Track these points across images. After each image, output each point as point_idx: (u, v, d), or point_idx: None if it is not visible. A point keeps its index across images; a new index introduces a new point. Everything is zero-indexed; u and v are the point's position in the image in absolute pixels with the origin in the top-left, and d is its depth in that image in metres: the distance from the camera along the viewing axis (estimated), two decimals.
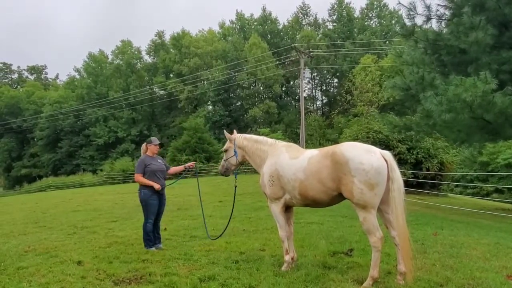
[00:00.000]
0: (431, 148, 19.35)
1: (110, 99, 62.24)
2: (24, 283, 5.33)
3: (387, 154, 5.02)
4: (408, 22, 13.07)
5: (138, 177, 7.25)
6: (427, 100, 11.33)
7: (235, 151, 6.54)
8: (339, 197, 5.21)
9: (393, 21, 58.37)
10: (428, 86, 11.94)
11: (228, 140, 6.71)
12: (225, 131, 7.19)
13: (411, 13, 12.91)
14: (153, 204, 7.28)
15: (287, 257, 5.71)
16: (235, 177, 6.99)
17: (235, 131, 6.87)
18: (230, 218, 7.47)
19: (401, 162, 18.99)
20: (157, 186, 7.10)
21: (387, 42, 56.50)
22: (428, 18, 13.21)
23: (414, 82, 12.59)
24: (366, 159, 4.83)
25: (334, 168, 5.01)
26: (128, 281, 5.34)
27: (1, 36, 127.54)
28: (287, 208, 5.93)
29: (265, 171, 5.88)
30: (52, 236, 9.02)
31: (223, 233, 7.46)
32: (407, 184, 17.74)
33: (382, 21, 62.82)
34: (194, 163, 7.88)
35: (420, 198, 16.80)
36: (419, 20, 13.19)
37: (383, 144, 19.51)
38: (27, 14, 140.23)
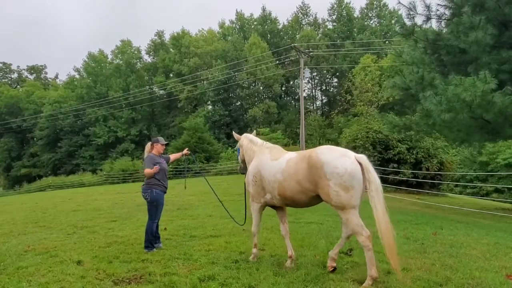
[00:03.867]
0: (430, 147, 19.35)
1: (109, 98, 62.22)
2: (23, 282, 5.33)
3: (362, 157, 5.15)
4: (408, 22, 13.07)
5: (149, 170, 7.10)
6: (426, 100, 11.34)
7: (238, 149, 7.04)
8: (318, 198, 5.40)
9: (393, 21, 58.21)
10: (428, 86, 11.96)
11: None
12: (233, 132, 7.55)
13: (411, 12, 12.91)
14: (162, 204, 7.34)
15: (255, 250, 6.16)
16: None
17: (253, 132, 7.27)
18: (245, 209, 7.08)
19: (400, 162, 19.00)
20: (156, 168, 7.09)
21: (387, 42, 56.46)
22: (428, 18, 13.22)
23: (414, 81, 12.60)
24: (341, 163, 5.01)
25: (310, 171, 5.20)
26: (127, 280, 5.34)
27: (1, 35, 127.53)
28: (279, 208, 6.17)
29: (250, 170, 6.21)
30: (52, 235, 9.01)
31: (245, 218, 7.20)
32: (407, 184, 17.80)
33: (382, 20, 62.80)
34: (187, 150, 8.26)
35: (419, 197, 16.81)
36: (419, 20, 13.21)
37: (383, 144, 19.53)
38: (27, 14, 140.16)
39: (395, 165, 18.79)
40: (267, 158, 5.99)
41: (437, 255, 6.34)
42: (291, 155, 5.75)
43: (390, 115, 15.79)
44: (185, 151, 8.21)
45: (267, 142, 6.62)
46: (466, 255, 6.38)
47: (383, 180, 18.25)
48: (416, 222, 10.12)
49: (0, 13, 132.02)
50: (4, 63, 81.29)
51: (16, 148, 71.58)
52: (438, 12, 13.26)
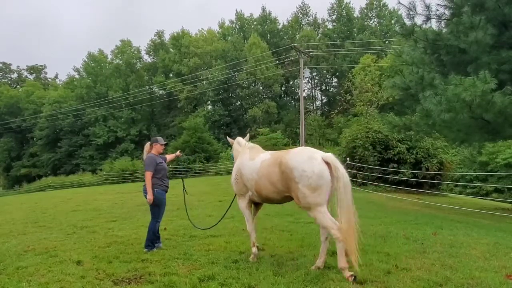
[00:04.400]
0: (430, 147, 19.35)
1: (109, 98, 62.22)
2: (23, 282, 5.34)
3: (329, 157, 5.39)
4: (407, 22, 13.07)
5: (149, 175, 7.08)
6: (426, 100, 11.34)
7: (232, 155, 7.29)
8: (290, 197, 5.71)
9: (392, 21, 58.18)
10: (428, 86, 11.95)
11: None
12: (227, 137, 7.86)
13: (411, 12, 12.91)
14: (165, 204, 7.35)
15: (254, 249, 6.26)
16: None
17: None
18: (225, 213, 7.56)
19: (400, 161, 18.99)
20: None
21: (387, 42, 56.48)
22: (428, 18, 13.21)
23: (414, 81, 12.60)
24: (308, 165, 5.31)
25: (282, 175, 5.54)
26: (127, 280, 5.35)
27: (1, 35, 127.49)
28: (257, 204, 6.60)
29: (234, 169, 6.62)
30: (52, 235, 9.01)
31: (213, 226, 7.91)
32: (407, 184, 17.80)
33: (382, 20, 62.82)
34: (180, 152, 8.36)
35: (419, 197, 16.81)
36: (418, 20, 13.21)
37: (383, 143, 19.52)
38: (26, 14, 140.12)
39: (395, 165, 18.79)
40: (246, 157, 6.37)
41: (437, 255, 6.33)
42: (265, 156, 6.11)
43: (390, 115, 15.80)
44: (178, 152, 8.29)
45: (249, 143, 7.01)
46: (466, 255, 6.37)
47: (383, 180, 18.33)
48: (416, 222, 10.12)
49: (0, 13, 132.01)
50: (3, 63, 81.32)
51: (15, 148, 71.56)
52: (438, 12, 13.27)
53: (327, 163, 5.32)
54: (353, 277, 5.05)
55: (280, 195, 5.77)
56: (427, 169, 18.62)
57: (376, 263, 5.81)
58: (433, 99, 11.06)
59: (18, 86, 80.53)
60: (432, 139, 18.97)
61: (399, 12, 15.36)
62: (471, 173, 30.27)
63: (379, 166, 18.76)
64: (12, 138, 71.12)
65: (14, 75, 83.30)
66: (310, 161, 5.34)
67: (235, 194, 6.68)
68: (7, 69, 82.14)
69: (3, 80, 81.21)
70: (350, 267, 5.25)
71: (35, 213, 14.74)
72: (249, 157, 6.31)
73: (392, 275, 5.25)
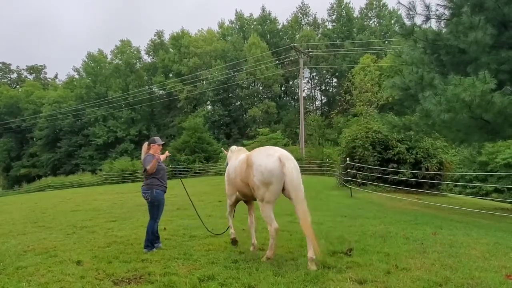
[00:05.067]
0: (430, 147, 19.33)
1: (109, 99, 62.28)
2: (23, 282, 5.33)
3: (283, 155, 5.96)
4: (407, 22, 13.06)
5: (149, 167, 7.00)
6: (426, 100, 11.33)
7: (227, 163, 7.75)
8: None
9: (392, 21, 58.27)
10: (427, 86, 11.95)
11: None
12: (222, 148, 8.64)
13: (411, 12, 12.91)
14: (163, 204, 7.32)
15: (232, 230, 7.24)
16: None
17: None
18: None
19: (400, 161, 18.98)
20: (163, 156, 7.37)
21: (387, 42, 56.55)
22: (428, 18, 13.21)
23: (413, 82, 12.59)
24: (264, 162, 5.92)
25: (247, 170, 6.17)
26: (127, 280, 5.34)
27: (0, 35, 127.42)
28: (247, 203, 7.21)
29: (226, 171, 7.32)
30: (51, 236, 9.00)
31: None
32: (406, 184, 17.79)
33: (382, 21, 62.92)
34: (168, 152, 8.39)
35: (419, 197, 16.80)
36: (418, 20, 13.20)
37: (382, 144, 19.51)
38: (26, 14, 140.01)
39: (395, 165, 18.77)
40: (233, 159, 7.21)
41: (436, 255, 6.33)
42: (242, 156, 6.78)
43: (390, 115, 15.79)
44: (167, 153, 8.26)
45: (237, 147, 7.80)
46: (466, 255, 6.37)
47: (383, 180, 18.33)
48: (415, 222, 10.11)
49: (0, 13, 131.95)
50: (3, 63, 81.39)
51: (15, 148, 71.62)
52: (437, 12, 13.26)
53: (281, 161, 5.83)
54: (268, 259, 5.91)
55: (249, 189, 6.29)
56: (426, 169, 18.60)
57: (376, 263, 5.80)
58: (432, 99, 11.06)
59: (17, 86, 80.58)
60: (432, 139, 18.96)
61: (399, 12, 15.36)
62: (471, 173, 30.28)
63: (378, 166, 18.74)
64: (11, 138, 71.17)
65: (14, 75, 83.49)
66: (266, 158, 5.94)
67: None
68: (7, 69, 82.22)
69: (2, 80, 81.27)
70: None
71: (34, 213, 14.74)
72: (235, 159, 7.10)
73: (392, 275, 5.25)
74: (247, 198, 6.85)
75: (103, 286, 5.14)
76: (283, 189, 5.91)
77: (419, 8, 12.92)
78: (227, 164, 7.66)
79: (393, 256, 6.19)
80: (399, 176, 17.98)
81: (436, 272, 5.36)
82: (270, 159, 5.90)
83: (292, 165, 5.85)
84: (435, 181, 19.35)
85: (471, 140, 14.07)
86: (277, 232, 5.97)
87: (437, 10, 13.22)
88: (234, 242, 7.13)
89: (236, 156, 7.22)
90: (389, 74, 38.45)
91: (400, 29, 13.28)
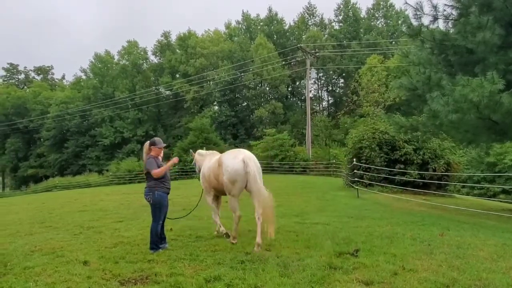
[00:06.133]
0: (437, 148, 19.21)
1: (116, 99, 62.51)
2: (30, 282, 5.36)
3: (246, 156, 7.20)
4: (414, 22, 12.99)
5: (157, 171, 7.03)
6: (433, 101, 11.27)
7: (194, 163, 9.27)
8: None
9: (399, 21, 58.22)
10: (435, 86, 11.88)
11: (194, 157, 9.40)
12: (191, 151, 9.65)
13: (418, 13, 12.83)
14: (165, 206, 7.28)
15: (221, 228, 8.23)
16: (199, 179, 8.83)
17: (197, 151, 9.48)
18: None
19: (407, 162, 18.88)
20: (171, 163, 7.41)
21: (394, 42, 56.35)
22: (435, 18, 13.13)
23: (421, 82, 12.52)
24: (230, 163, 7.19)
25: (218, 169, 7.45)
26: (134, 281, 5.36)
27: (8, 36, 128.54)
28: (217, 198, 8.46)
29: (201, 173, 8.44)
30: (58, 236, 9.05)
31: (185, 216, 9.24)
32: (413, 184, 17.70)
33: (389, 21, 62.69)
34: (176, 159, 7.96)
35: (426, 198, 16.69)
36: (425, 20, 13.11)
37: (389, 144, 19.42)
38: (34, 15, 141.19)
39: (402, 166, 18.68)
40: (207, 161, 8.35)
41: (444, 256, 6.30)
42: (216, 157, 7.99)
43: (397, 115, 15.70)
44: (175, 159, 7.68)
45: (210, 151, 9.07)
46: (473, 256, 6.33)
47: (390, 181, 18.23)
48: (422, 223, 10.06)
49: (8, 14, 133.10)
50: (11, 64, 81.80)
51: (23, 148, 71.98)
52: (445, 12, 13.17)
53: (244, 162, 7.03)
54: (259, 247, 6.76)
55: (221, 186, 7.45)
56: (434, 170, 18.48)
57: (383, 264, 5.78)
58: (440, 99, 11.00)
59: (25, 87, 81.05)
60: (439, 140, 18.83)
61: (406, 13, 15.35)
62: (479, 174, 30.06)
63: (385, 167, 18.65)
64: (19, 139, 71.54)
65: (22, 76, 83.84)
66: (233, 160, 7.19)
67: (202, 192, 8.60)
68: (15, 70, 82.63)
69: (10, 81, 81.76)
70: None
71: (42, 213, 14.82)
72: (208, 160, 8.30)
73: (398, 276, 5.23)
74: (221, 193, 8.06)
75: (110, 286, 5.16)
76: (245, 185, 7.16)
77: (427, 9, 12.84)
78: (194, 164, 9.12)
79: (400, 257, 6.16)
80: (406, 177, 17.88)
81: (443, 274, 5.33)
82: (235, 161, 7.13)
83: (252, 164, 7.10)
84: (442, 182, 19.24)
85: (479, 141, 13.97)
86: (240, 218, 7.36)
87: (445, 10, 13.13)
88: (227, 235, 7.95)
89: (210, 158, 8.38)
90: (396, 74, 38.30)
91: (407, 29, 13.22)
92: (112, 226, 10.19)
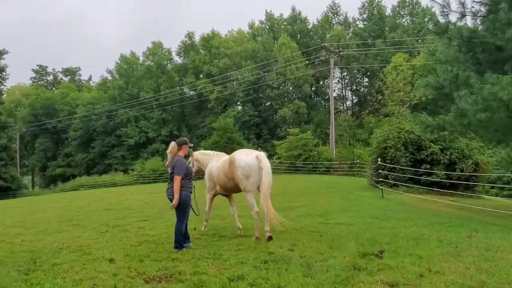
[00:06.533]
0: (465, 148, 18.79)
1: (141, 99, 63.32)
2: (58, 279, 5.46)
3: (260, 154, 7.81)
4: (441, 20, 12.74)
5: (179, 179, 7.06)
6: (461, 99, 11.03)
7: (193, 163, 9.17)
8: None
9: (426, 19, 57.10)
10: (463, 85, 11.62)
11: (191, 156, 9.30)
12: (191, 150, 9.25)
13: (445, 10, 12.58)
14: (189, 205, 7.36)
15: (205, 223, 9.11)
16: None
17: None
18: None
19: (433, 162, 18.53)
20: (175, 203, 7.04)
21: (420, 40, 55.37)
22: (463, 15, 12.84)
23: (448, 80, 12.26)
24: (244, 159, 7.70)
25: (230, 167, 7.90)
26: (158, 279, 5.40)
27: (37, 39, 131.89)
28: (228, 196, 8.97)
29: (206, 171, 8.91)
30: (85, 234, 9.21)
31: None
32: (440, 185, 17.37)
33: (415, 18, 61.67)
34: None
35: (453, 199, 16.36)
36: (453, 17, 12.84)
37: (415, 144, 19.10)
38: (63, 18, 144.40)
39: (428, 166, 18.35)
40: (214, 161, 8.76)
41: (471, 259, 6.15)
42: (225, 157, 8.55)
43: (423, 115, 15.42)
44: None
45: (215, 152, 9.42)
46: (503, 259, 6.16)
47: (415, 181, 17.92)
48: (449, 224, 9.86)
49: (37, 17, 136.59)
50: (40, 66, 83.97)
51: (51, 148, 73.68)
52: (473, 9, 12.85)
53: (258, 158, 7.64)
54: (270, 239, 7.41)
55: (231, 183, 8.03)
56: (461, 170, 18.09)
57: (408, 265, 5.69)
58: (468, 98, 10.75)
59: (53, 88, 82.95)
60: (467, 140, 18.43)
61: (433, 10, 14.97)
62: (509, 174, 29.25)
63: (411, 167, 18.37)
64: (48, 139, 73.29)
65: (50, 78, 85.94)
66: (246, 156, 7.75)
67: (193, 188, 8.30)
68: (44, 72, 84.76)
69: (39, 82, 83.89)
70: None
71: (69, 211, 15.11)
72: (216, 160, 8.70)
73: (425, 279, 5.13)
74: (227, 191, 8.60)
75: (135, 284, 5.21)
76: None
77: (454, 5, 12.58)
78: (192, 164, 9.08)
79: (426, 259, 6.05)
80: (433, 177, 17.55)
81: (471, 276, 5.21)
82: (249, 157, 7.69)
83: (265, 160, 7.72)
84: (470, 183, 18.82)
85: (509, 141, 13.59)
86: (258, 214, 7.60)
87: (473, 7, 12.82)
88: (204, 228, 9.01)
89: (217, 158, 8.80)
90: (422, 73, 37.63)
91: (434, 27, 12.98)
92: (137, 225, 10.33)
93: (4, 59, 60.57)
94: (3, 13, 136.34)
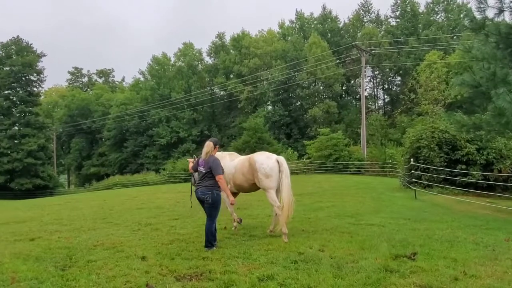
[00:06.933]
0: (503, 148, 18.17)
1: (172, 100, 64.11)
2: (93, 275, 5.58)
3: (279, 158, 8.31)
4: (478, 15, 12.36)
5: (223, 178, 7.30)
6: (499, 98, 10.67)
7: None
8: (255, 185, 8.35)
9: (461, 15, 55.58)
10: (501, 83, 11.23)
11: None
12: (194, 156, 9.49)
13: (481, 5, 12.20)
14: (220, 204, 7.52)
15: (235, 223, 9.21)
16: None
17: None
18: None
19: (469, 163, 18.01)
20: (232, 199, 7.50)
21: (455, 37, 54.00)
22: (501, 11, 12.41)
23: (485, 78, 11.89)
24: (265, 161, 8.16)
25: (250, 167, 8.30)
26: (189, 277, 5.45)
27: (73, 42, 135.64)
28: (234, 194, 8.80)
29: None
30: (118, 231, 9.39)
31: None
32: (476, 186, 16.86)
33: (449, 15, 60.09)
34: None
35: (490, 201, 15.84)
36: (490, 13, 12.42)
37: (450, 144, 18.61)
38: (96, 21, 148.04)
39: (463, 167, 17.85)
40: (227, 159, 8.91)
41: (510, 263, 5.94)
42: (240, 157, 9.05)
43: (458, 114, 15.01)
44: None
45: (226, 152, 9.77)
46: None
47: (450, 182, 17.46)
48: (486, 227, 9.56)
49: (72, 21, 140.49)
50: (76, 68, 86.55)
51: (86, 148, 75.63)
52: (511, 4, 12.45)
53: (278, 162, 8.15)
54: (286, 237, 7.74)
55: (248, 183, 8.41)
56: (499, 171, 17.50)
57: (442, 268, 5.54)
58: (506, 96, 10.40)
59: (88, 90, 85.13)
60: (506, 139, 17.84)
61: (469, 6, 14.56)
62: None
63: (445, 167, 17.91)
64: (83, 139, 75.29)
65: (85, 79, 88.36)
66: (267, 159, 8.23)
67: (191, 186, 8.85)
68: (79, 74, 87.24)
69: (75, 84, 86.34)
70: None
71: (103, 210, 15.43)
72: (229, 160, 8.94)
73: (459, 282, 4.98)
74: (240, 190, 8.95)
75: (166, 282, 5.27)
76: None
77: (491, 1, 12.16)
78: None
79: (461, 262, 5.88)
80: (468, 178, 17.06)
81: (509, 281, 5.03)
82: (269, 160, 8.20)
83: (285, 163, 8.27)
84: (509, 184, 18.18)
85: None
86: (280, 208, 7.94)
87: (511, 2, 12.40)
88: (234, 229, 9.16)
89: (231, 158, 9.07)
90: (457, 71, 36.64)
91: (470, 23, 12.61)
92: (169, 224, 10.46)
93: (42, 61, 62.92)
94: (42, 19, 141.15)
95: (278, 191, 8.30)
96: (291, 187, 8.08)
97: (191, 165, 8.17)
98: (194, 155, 9.42)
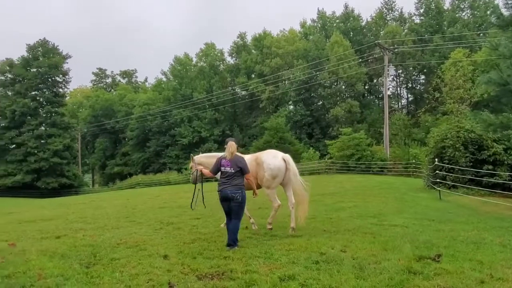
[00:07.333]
0: None
1: (194, 100, 64.53)
2: (116, 273, 5.66)
3: (286, 156, 8.62)
4: (505, 12, 12.12)
5: (251, 176, 7.77)
6: None
7: (196, 168, 9.57)
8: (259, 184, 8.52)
9: (488, 12, 54.35)
10: None
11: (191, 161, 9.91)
12: (191, 154, 10.14)
13: (509, 2, 11.95)
14: None
15: (252, 220, 9.35)
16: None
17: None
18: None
19: (496, 163, 17.60)
20: (257, 193, 8.09)
21: (481, 34, 52.82)
22: None
23: None
24: (272, 161, 8.47)
25: (257, 166, 8.54)
26: (210, 276, 5.47)
27: (98, 43, 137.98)
28: None
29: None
30: (141, 230, 9.51)
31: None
32: (503, 187, 16.47)
33: (476, 12, 58.79)
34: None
35: None
36: None
37: (476, 144, 18.21)
38: (120, 23, 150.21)
39: (490, 167, 17.45)
40: None
41: None
42: (247, 156, 8.83)
43: (485, 113, 14.68)
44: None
45: (214, 153, 9.95)
46: None
47: (476, 183, 17.08)
48: None
49: (97, 23, 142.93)
50: (100, 69, 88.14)
51: (110, 147, 76.83)
52: None
53: (285, 160, 8.45)
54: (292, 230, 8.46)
55: (255, 181, 8.27)
56: None
57: (468, 271, 5.42)
58: None
59: (112, 90, 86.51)
60: None
61: (496, 2, 14.27)
62: None
63: (471, 167, 17.54)
64: (107, 139, 76.54)
65: (109, 80, 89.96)
66: (274, 158, 8.50)
67: (195, 186, 9.37)
68: (103, 74, 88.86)
69: (99, 84, 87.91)
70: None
71: (126, 208, 15.66)
72: None
73: (486, 285, 4.87)
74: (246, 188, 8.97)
75: (188, 280, 5.30)
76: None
77: None
78: (196, 170, 9.53)
79: (487, 265, 5.75)
80: (495, 179, 16.66)
81: None
82: (276, 160, 8.48)
83: (291, 161, 8.58)
84: None
85: None
86: (279, 207, 8.64)
87: None
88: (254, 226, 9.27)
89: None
90: (484, 69, 35.85)
91: (497, 20, 12.38)
92: (190, 223, 10.54)
93: (67, 63, 64.25)
94: (67, 22, 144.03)
95: (289, 189, 8.69)
96: (302, 184, 8.57)
97: (205, 171, 8.66)
98: (191, 154, 9.64)
